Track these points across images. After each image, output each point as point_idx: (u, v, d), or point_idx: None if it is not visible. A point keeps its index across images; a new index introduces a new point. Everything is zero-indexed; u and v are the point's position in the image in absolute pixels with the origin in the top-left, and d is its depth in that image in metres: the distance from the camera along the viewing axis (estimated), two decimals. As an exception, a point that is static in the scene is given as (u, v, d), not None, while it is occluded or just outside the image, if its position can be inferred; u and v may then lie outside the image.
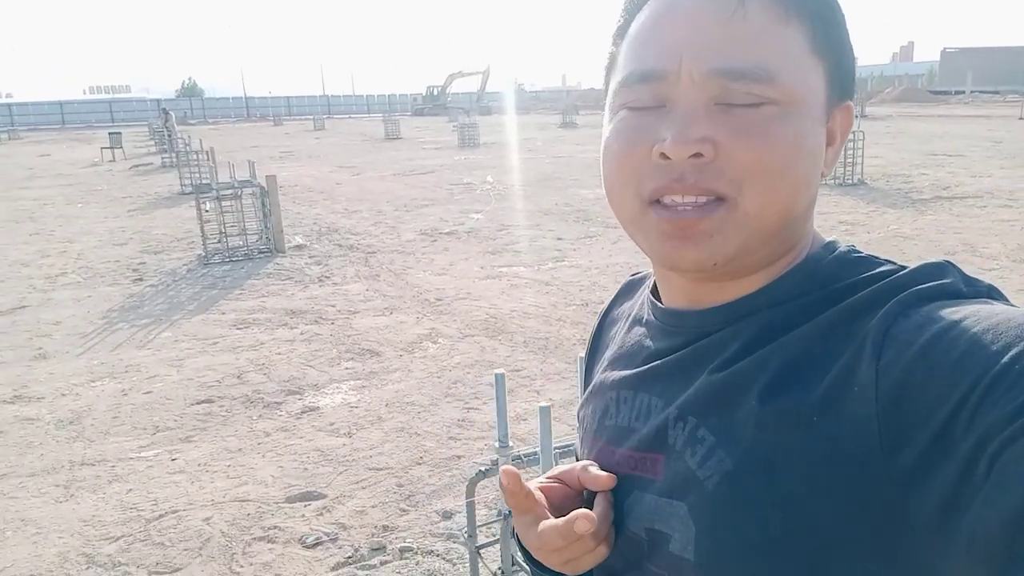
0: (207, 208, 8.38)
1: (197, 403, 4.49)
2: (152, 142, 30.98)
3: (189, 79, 73.48)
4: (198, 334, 5.82)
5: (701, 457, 0.56)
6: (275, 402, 4.49)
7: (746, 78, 0.53)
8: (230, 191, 8.25)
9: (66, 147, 31.80)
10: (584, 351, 0.84)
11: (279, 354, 5.30)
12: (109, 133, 25.19)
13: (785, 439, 0.51)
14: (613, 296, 0.80)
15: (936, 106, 38.63)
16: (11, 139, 40.33)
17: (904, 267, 0.54)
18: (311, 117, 53.13)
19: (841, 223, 8.92)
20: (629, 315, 0.73)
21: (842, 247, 0.60)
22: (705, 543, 0.54)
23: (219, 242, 8.37)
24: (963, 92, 46.25)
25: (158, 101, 60.98)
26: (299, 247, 8.86)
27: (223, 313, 6.36)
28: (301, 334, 5.74)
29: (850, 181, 11.57)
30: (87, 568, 2.92)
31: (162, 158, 20.56)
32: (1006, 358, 0.43)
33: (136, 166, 20.68)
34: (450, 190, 13.91)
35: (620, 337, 0.72)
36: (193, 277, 7.66)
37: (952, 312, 0.48)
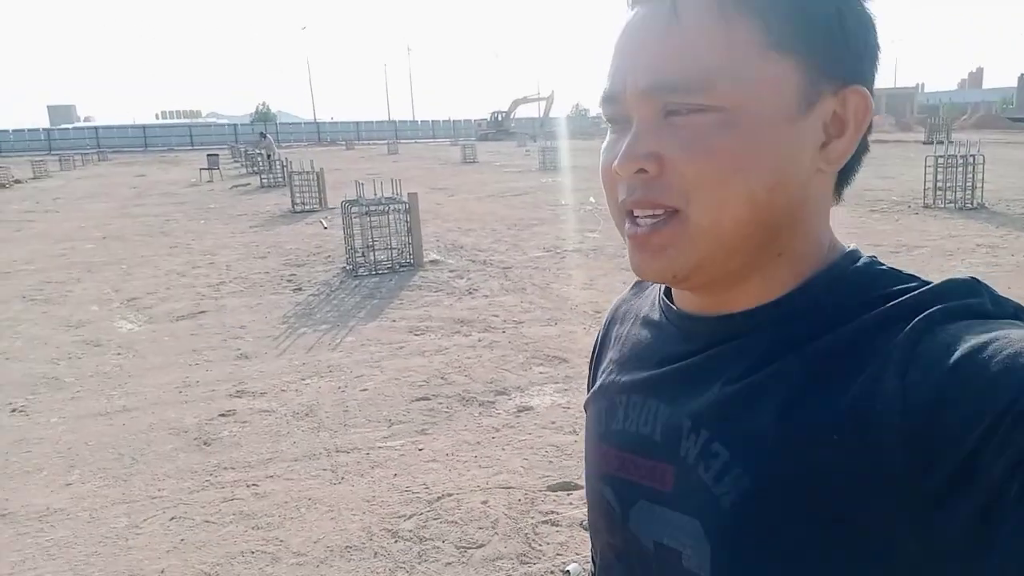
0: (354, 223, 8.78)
1: (416, 400, 4.75)
2: (237, 163, 32.27)
3: (263, 104, 76.20)
4: (380, 339, 6.12)
5: (716, 472, 0.54)
6: (488, 401, 4.72)
7: (679, 90, 0.53)
8: (379, 207, 8.63)
9: (158, 168, 33.30)
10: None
11: (468, 358, 5.55)
12: (207, 155, 26.32)
13: (806, 456, 0.50)
14: (623, 294, 0.78)
15: (1019, 133, 37.57)
16: (100, 160, 42.45)
17: (929, 282, 0.53)
18: (380, 141, 54.64)
19: (979, 246, 8.85)
20: (638, 315, 0.71)
21: (864, 258, 0.58)
22: (722, 561, 0.54)
23: (362, 255, 8.75)
24: (1045, 119, 44.88)
25: (235, 126, 63.41)
26: (435, 262, 9.19)
27: (394, 321, 6.67)
28: (479, 340, 5.99)
29: (970, 205, 11.43)
30: (395, 542, 3.16)
31: (261, 179, 21.37)
32: None
33: (235, 186, 21.58)
34: (552, 210, 14.18)
35: (629, 337, 0.70)
36: (348, 288, 8.03)
37: (981, 332, 0.46)
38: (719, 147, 0.53)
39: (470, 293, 7.63)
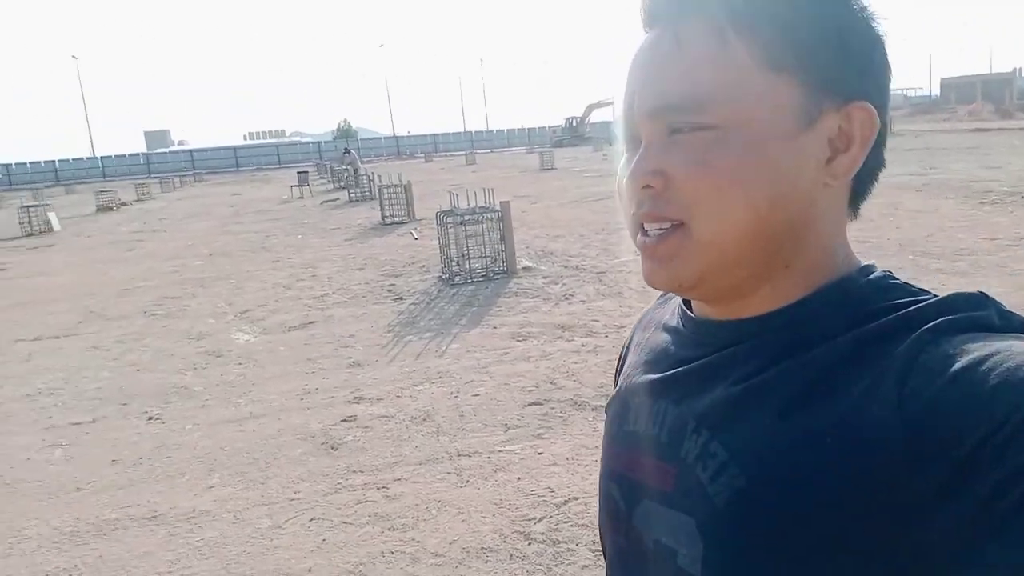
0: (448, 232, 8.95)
1: (528, 405, 4.80)
2: (324, 179, 33.37)
3: (344, 121, 78.65)
4: (484, 345, 6.21)
5: (712, 472, 0.56)
6: (601, 406, 4.72)
7: (681, 110, 0.55)
8: (473, 216, 8.78)
9: (251, 187, 34.78)
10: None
11: (575, 363, 5.56)
12: (298, 172, 27.34)
13: (802, 459, 0.51)
14: (651, 305, 0.81)
15: None
16: (197, 181, 44.69)
17: (936, 296, 0.54)
18: (457, 153, 55.54)
19: (1108, 235, 8.29)
20: (659, 322, 0.73)
21: (878, 271, 0.59)
22: (713, 560, 0.55)
23: (457, 264, 8.91)
24: None
25: (319, 144, 65.71)
26: (527, 268, 9.26)
27: (495, 327, 6.75)
28: (583, 346, 6.00)
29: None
30: (529, 544, 3.20)
31: (349, 193, 22.02)
32: None
33: (325, 202, 22.32)
34: (639, 214, 14.06)
35: (648, 343, 0.73)
36: (446, 296, 8.18)
37: (984, 345, 0.47)
38: (718, 163, 0.55)
39: (567, 299, 7.66)
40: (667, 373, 0.65)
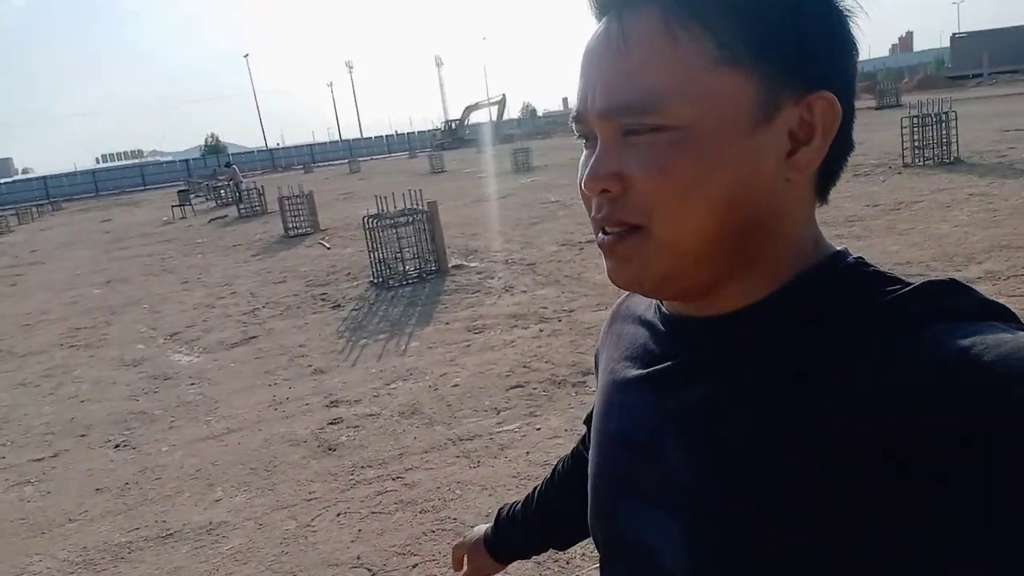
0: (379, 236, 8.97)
1: (510, 388, 4.99)
2: (200, 197, 31.87)
3: (212, 136, 75.25)
4: (444, 340, 6.34)
5: (695, 473, 0.56)
6: (580, 382, 4.98)
7: (633, 111, 0.54)
8: (404, 218, 8.84)
9: (120, 211, 32.75)
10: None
11: (540, 347, 5.80)
12: (178, 192, 26.07)
13: (782, 458, 0.51)
14: (627, 293, 0.78)
15: (961, 90, 39.21)
16: (56, 210, 41.47)
17: (910, 284, 0.53)
18: (337, 162, 54.49)
19: (971, 195, 9.40)
20: (635, 313, 0.72)
21: (850, 259, 0.58)
22: (698, 560, 0.55)
23: (388, 267, 8.94)
24: (980, 75, 46.94)
25: (186, 161, 62.60)
26: (459, 267, 9.41)
27: (447, 323, 6.88)
28: (541, 331, 6.24)
29: (947, 160, 12.07)
30: (562, 506, 3.40)
31: (239, 209, 21.25)
32: (1015, 395, 0.42)
33: (213, 219, 21.43)
34: (547, 208, 14.51)
35: (625, 336, 0.72)
36: (385, 299, 8.21)
37: (959, 336, 0.47)
38: (674, 165, 0.53)
39: (508, 291, 7.88)
40: (646, 371, 0.64)
